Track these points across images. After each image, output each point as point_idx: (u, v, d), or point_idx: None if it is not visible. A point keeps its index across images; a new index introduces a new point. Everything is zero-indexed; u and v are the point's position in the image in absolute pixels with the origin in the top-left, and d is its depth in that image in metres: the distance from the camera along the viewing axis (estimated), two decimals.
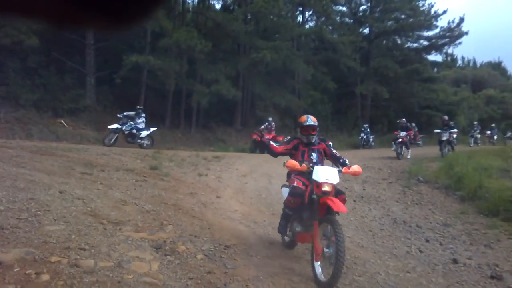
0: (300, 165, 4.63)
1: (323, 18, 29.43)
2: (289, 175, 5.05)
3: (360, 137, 23.19)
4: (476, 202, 8.12)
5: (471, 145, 22.34)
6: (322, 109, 27.37)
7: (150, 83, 20.68)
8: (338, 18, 30.89)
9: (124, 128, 14.31)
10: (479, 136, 24.40)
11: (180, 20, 22.49)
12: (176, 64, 19.92)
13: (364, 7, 32.66)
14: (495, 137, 25.68)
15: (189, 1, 25.16)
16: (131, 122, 14.54)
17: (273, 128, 18.01)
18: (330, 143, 5.29)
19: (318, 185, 4.36)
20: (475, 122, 26.07)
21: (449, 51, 37.39)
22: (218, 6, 26.66)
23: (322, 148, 5.06)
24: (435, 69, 36.41)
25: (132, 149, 13.14)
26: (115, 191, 6.53)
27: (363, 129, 23.62)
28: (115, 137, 14.13)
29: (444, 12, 30.91)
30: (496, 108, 36.58)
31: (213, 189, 8.27)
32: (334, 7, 30.16)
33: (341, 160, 4.94)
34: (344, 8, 32.42)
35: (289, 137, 5.40)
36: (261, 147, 5.77)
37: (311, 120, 5.04)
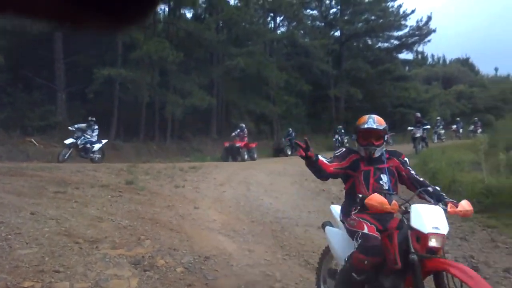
0: (367, 193, 3.04)
1: (295, 23, 29.79)
2: (344, 210, 3.37)
3: (334, 139, 23.44)
4: (450, 196, 8.25)
5: (435, 142, 22.19)
6: (297, 113, 27.59)
7: (123, 96, 20.42)
8: (309, 22, 31.32)
9: (78, 142, 13.44)
10: (442, 131, 24.51)
11: (151, 31, 22.37)
12: (148, 75, 19.76)
13: (334, 10, 33.33)
14: (461, 130, 26.24)
15: (160, 12, 25.05)
16: (85, 135, 13.64)
17: (245, 135, 17.76)
18: (406, 158, 3.56)
19: (421, 236, 2.68)
20: (438, 118, 26.23)
21: (419, 49, 38.43)
22: (189, 15, 26.64)
23: (394, 166, 3.39)
24: (407, 68, 37.28)
25: (108, 163, 12.91)
26: (90, 208, 6.39)
27: (337, 131, 23.89)
28: (69, 152, 13.27)
29: (413, 11, 31.99)
30: (466, 103, 37.59)
31: (190, 200, 8.18)
32: (304, 12, 30.64)
33: (430, 189, 3.23)
34: (315, 12, 32.91)
35: (343, 149, 3.60)
36: (313, 167, 3.53)
37: (373, 121, 3.34)
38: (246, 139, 17.66)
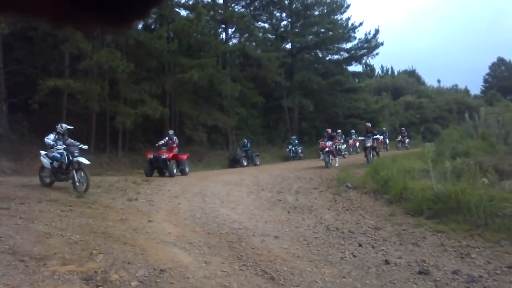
0: None
1: (246, 35, 30.02)
2: None
3: (288, 149, 23.73)
4: (402, 203, 8.61)
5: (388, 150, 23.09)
6: (252, 124, 27.75)
7: (71, 107, 19.68)
8: (260, 34, 31.62)
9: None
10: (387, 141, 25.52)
11: (100, 41, 21.79)
12: (97, 86, 19.17)
13: (285, 22, 33.80)
14: (407, 141, 26.85)
15: None
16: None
17: (174, 144, 15.25)
18: None
19: None
20: (384, 128, 27.29)
21: (368, 61, 39.72)
22: (139, 25, 26.17)
23: None
24: (357, 80, 38.49)
25: None
26: (38, 224, 6.08)
27: (291, 141, 24.24)
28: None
29: (361, 24, 33.10)
30: (414, 113, 39.19)
31: (144, 213, 7.98)
32: (256, 24, 30.90)
33: None
34: (266, 25, 33.33)
35: None
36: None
37: None
38: (175, 149, 15.10)
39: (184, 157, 15.58)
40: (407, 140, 26.71)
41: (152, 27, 25.16)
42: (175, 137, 15.51)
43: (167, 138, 15.29)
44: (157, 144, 15.11)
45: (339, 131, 21.43)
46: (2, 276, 3.91)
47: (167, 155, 14.30)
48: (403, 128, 28.27)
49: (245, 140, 22.41)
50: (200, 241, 6.32)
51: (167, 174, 14.35)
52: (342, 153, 21.34)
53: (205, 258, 5.49)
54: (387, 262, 5.57)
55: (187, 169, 15.36)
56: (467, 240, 6.26)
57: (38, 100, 17.72)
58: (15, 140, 18.08)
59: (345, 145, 22.57)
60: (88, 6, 0.59)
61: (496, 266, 5.20)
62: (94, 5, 0.59)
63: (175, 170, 14.47)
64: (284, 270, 5.08)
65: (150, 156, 14.62)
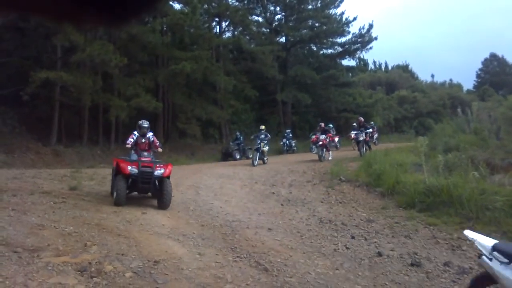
0: None
1: (240, 28, 29.92)
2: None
3: (282, 143, 23.75)
4: (395, 196, 8.69)
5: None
6: (246, 118, 27.73)
7: (64, 100, 19.52)
8: (254, 28, 31.51)
9: None
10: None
11: (92, 33, 21.60)
12: (90, 79, 19.01)
13: (279, 16, 33.72)
14: (375, 136, 23.52)
15: None
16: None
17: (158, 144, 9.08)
18: None
19: None
20: (372, 123, 24.73)
21: (362, 56, 39.65)
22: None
23: None
24: (350, 74, 38.48)
25: (49, 170, 12.30)
26: (30, 216, 6.06)
27: (285, 135, 24.25)
28: None
29: (355, 18, 33.18)
30: (409, 108, 39.22)
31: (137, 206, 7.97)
32: (250, 17, 30.77)
33: None
34: (260, 19, 33.22)
35: None
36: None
37: None
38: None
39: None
40: (375, 135, 23.77)
41: (145, 20, 24.96)
42: (151, 133, 9.03)
43: (136, 133, 8.81)
44: (128, 144, 8.67)
45: (330, 125, 21.32)
46: None
47: (162, 170, 8.09)
48: (372, 123, 25.19)
49: (238, 133, 22.38)
50: (194, 233, 6.33)
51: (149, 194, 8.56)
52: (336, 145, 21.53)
53: (199, 249, 5.51)
54: (379, 254, 5.63)
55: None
56: (459, 233, 6.33)
57: (30, 92, 17.52)
58: (6, 132, 17.92)
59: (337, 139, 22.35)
60: (86, 5, 0.59)
61: None
62: (93, 3, 0.59)
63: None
64: (277, 261, 5.11)
65: (131, 169, 7.88)
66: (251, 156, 18.33)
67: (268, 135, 17.53)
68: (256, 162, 15.63)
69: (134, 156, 8.50)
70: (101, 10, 0.60)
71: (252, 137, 19.22)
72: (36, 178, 10.03)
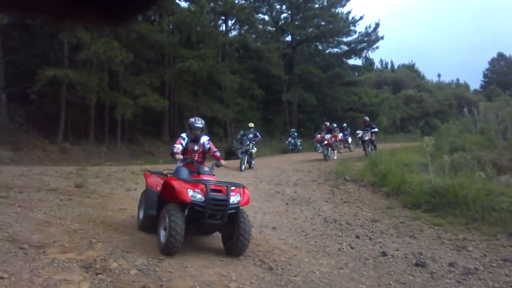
0: None
1: (246, 27, 29.91)
2: None
3: (288, 142, 23.72)
4: (400, 196, 8.66)
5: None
6: (252, 116, 27.72)
7: (71, 97, 19.63)
8: (260, 26, 31.49)
9: None
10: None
11: (99, 31, 21.67)
12: (96, 77, 19.10)
13: (285, 15, 33.69)
14: (350, 139, 21.70)
15: None
16: None
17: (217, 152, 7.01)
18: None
19: None
20: (344, 125, 22.43)
21: (368, 55, 39.44)
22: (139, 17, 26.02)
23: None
24: (356, 73, 38.31)
25: (56, 167, 12.38)
26: (37, 212, 6.10)
27: (290, 134, 24.21)
28: None
29: (361, 18, 32.93)
30: (415, 107, 38.95)
31: None
32: (256, 16, 30.76)
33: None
34: (266, 17, 33.22)
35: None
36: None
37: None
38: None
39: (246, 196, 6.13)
40: (349, 139, 21.39)
41: (152, 18, 25.05)
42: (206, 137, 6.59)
43: (185, 136, 6.16)
44: (177, 154, 5.87)
45: (334, 124, 20.99)
46: (1, 263, 3.93)
47: (238, 197, 5.38)
48: (344, 124, 22.35)
49: (242, 132, 22.35)
50: None
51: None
52: (349, 146, 21.49)
53: (204, 247, 5.53)
54: (384, 254, 5.62)
55: None
56: (464, 233, 6.31)
57: (37, 90, 17.65)
58: (13, 130, 18.07)
59: (350, 138, 21.65)
60: (87, 4, 0.59)
61: (492, 259, 5.26)
62: (93, 3, 0.59)
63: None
64: (282, 260, 5.11)
65: (193, 194, 5.13)
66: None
67: (258, 134, 15.73)
68: (244, 167, 13.72)
69: (184, 171, 5.80)
70: (101, 10, 0.60)
71: (239, 135, 17.86)
72: (42, 175, 10.09)
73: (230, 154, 21.05)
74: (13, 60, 18.77)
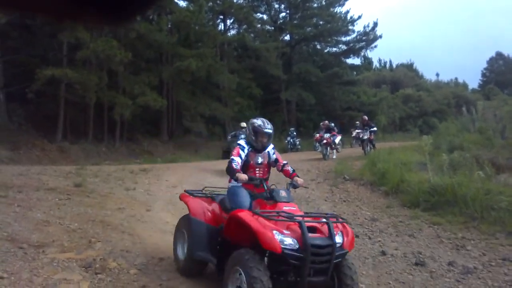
0: None
1: (245, 26, 29.90)
2: None
3: (286, 141, 23.73)
4: (399, 195, 8.65)
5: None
6: (250, 115, 27.69)
7: (69, 97, 19.59)
8: (259, 25, 31.47)
9: None
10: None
11: (98, 31, 21.63)
12: (95, 76, 19.07)
13: (283, 14, 33.71)
14: (337, 140, 17.71)
15: None
16: None
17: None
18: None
19: None
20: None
21: (366, 54, 39.43)
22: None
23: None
24: (354, 73, 38.31)
25: (55, 166, 12.36)
26: (36, 212, 6.09)
27: (289, 133, 24.20)
28: None
29: (359, 17, 32.83)
30: (414, 106, 39.00)
31: (142, 203, 8.00)
32: (254, 15, 30.74)
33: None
34: (265, 16, 33.20)
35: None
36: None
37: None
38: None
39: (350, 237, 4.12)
40: (337, 139, 17.66)
41: (151, 17, 25.02)
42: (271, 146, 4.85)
43: (244, 145, 4.47)
44: (237, 172, 4.05)
45: (332, 123, 20.77)
46: (1, 262, 3.93)
47: (341, 238, 3.73)
48: (332, 123, 18.95)
49: (233, 132, 22.26)
50: None
51: None
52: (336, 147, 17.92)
53: None
54: (383, 253, 5.62)
55: None
56: (463, 232, 6.31)
57: (35, 90, 17.62)
58: (12, 129, 18.04)
59: (338, 138, 19.92)
60: (87, 4, 0.59)
61: (490, 258, 5.26)
62: (93, 3, 0.60)
63: None
64: None
65: (282, 238, 3.39)
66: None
67: None
68: None
69: (245, 197, 4.13)
70: (101, 10, 0.60)
71: (229, 136, 16.60)
72: (41, 175, 10.07)
73: (227, 153, 21.03)
74: (12, 60, 18.73)
